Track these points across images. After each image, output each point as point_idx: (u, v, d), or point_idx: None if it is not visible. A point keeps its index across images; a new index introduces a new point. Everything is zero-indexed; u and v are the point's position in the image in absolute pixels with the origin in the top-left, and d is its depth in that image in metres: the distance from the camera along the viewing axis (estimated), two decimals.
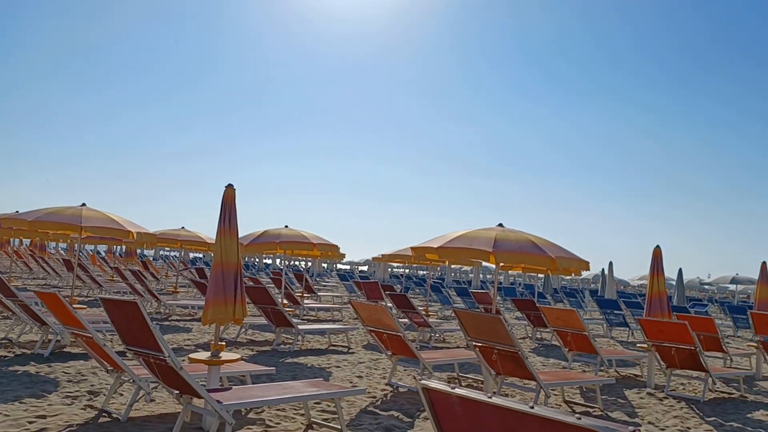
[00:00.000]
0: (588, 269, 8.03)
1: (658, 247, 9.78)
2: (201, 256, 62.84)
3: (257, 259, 58.12)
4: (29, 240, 36.38)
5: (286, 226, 12.37)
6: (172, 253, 67.21)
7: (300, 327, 11.02)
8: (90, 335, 5.39)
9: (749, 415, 7.69)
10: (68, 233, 9.81)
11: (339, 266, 76.70)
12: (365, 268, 71.63)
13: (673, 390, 8.90)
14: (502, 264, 7.39)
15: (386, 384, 8.12)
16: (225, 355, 5.64)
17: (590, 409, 7.41)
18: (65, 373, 7.42)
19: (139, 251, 40.41)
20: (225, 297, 5.52)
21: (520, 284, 43.00)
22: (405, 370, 9.02)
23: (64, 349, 8.94)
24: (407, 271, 66.59)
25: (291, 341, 11.68)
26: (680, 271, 26.94)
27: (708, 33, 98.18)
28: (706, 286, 47.00)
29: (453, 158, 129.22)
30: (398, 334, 7.55)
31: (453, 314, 8.02)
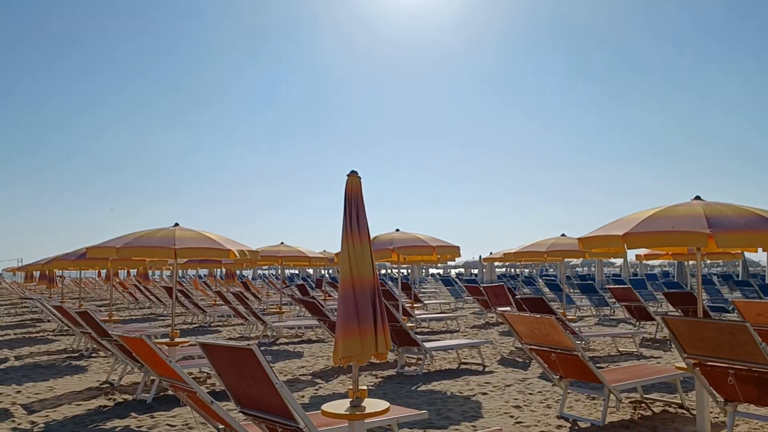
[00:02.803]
0: None
1: None
2: (296, 272, 63.10)
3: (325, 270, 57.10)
4: (135, 270, 37.20)
5: (398, 230, 10.87)
6: (269, 271, 67.98)
7: (426, 345, 9.44)
8: (193, 390, 4.04)
9: None
10: (166, 259, 8.94)
11: (432, 270, 75.05)
12: (461, 270, 69.46)
13: None
14: (699, 249, 5.48)
15: (557, 416, 6.37)
16: (369, 404, 4.12)
17: None
18: (170, 426, 6.21)
19: (237, 272, 40.46)
20: (360, 325, 3.99)
21: (634, 274, 39.50)
22: (570, 393, 7.23)
23: (169, 392, 7.82)
24: (508, 270, 63.96)
25: (414, 360, 10.14)
26: None
27: None
28: None
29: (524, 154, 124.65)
30: (574, 353, 5.80)
31: (627, 318, 6.11)
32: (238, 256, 8.27)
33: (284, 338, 13.88)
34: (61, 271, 23.84)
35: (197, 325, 17.38)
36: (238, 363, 3.22)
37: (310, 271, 58.12)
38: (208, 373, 8.99)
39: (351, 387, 4.08)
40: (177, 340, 8.53)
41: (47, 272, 25.91)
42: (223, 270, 37.60)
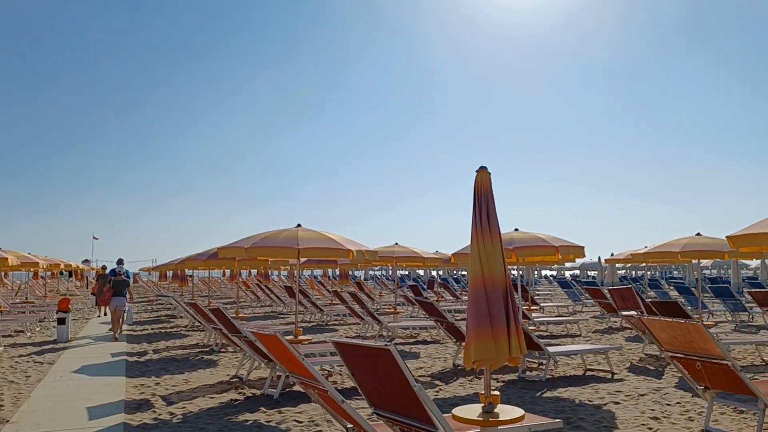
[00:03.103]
0: None
1: None
2: (407, 272, 63.48)
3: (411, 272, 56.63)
4: (256, 270, 39.09)
5: (516, 229, 10.53)
6: (379, 272, 68.97)
7: (549, 349, 9.05)
8: (324, 388, 4.06)
9: None
10: (287, 259, 9.26)
11: (544, 271, 72.69)
12: (576, 271, 66.78)
13: None
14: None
15: (702, 431, 5.84)
16: (502, 410, 3.94)
17: None
18: (297, 422, 6.34)
19: (349, 272, 41.34)
20: (493, 327, 3.83)
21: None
22: (715, 405, 6.61)
23: (294, 388, 8.03)
24: (629, 272, 60.65)
25: (535, 365, 9.76)
26: None
27: None
28: None
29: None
30: (723, 362, 5.27)
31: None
32: (356, 256, 8.35)
33: (399, 338, 13.92)
34: (191, 270, 25.50)
35: (315, 323, 17.87)
36: (373, 363, 3.16)
37: (421, 272, 58.30)
38: (329, 371, 9.15)
39: (482, 391, 3.93)
40: (300, 337, 8.75)
41: (179, 271, 27.79)
42: (337, 270, 38.62)
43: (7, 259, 12.84)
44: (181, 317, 20.31)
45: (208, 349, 12.06)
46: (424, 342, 13.13)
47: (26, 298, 25.89)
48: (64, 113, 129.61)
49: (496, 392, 3.98)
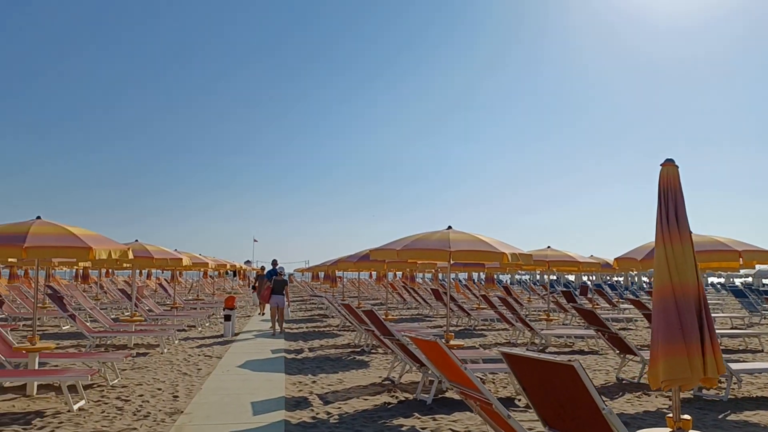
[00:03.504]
0: None
1: None
2: (555, 277, 61.02)
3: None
4: (401, 272, 39.65)
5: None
6: (525, 276, 66.93)
7: (732, 366, 8.02)
8: (487, 400, 3.80)
9: None
10: (435, 262, 9.16)
11: (711, 278, 66.21)
12: (748, 279, 60.18)
13: None
14: None
15: None
16: None
17: None
18: (452, 431, 6.13)
19: (495, 276, 40.48)
20: (686, 342, 3.33)
21: None
22: None
23: (447, 394, 7.84)
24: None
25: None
26: None
27: None
28: None
29: None
30: None
31: None
32: (510, 259, 7.98)
33: (553, 347, 13.23)
34: (341, 272, 26.38)
35: (462, 327, 17.60)
36: (551, 379, 2.86)
37: (570, 277, 55.76)
38: (481, 379, 8.85)
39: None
40: (452, 342, 8.54)
41: (330, 272, 28.88)
42: (482, 274, 38.01)
43: (181, 259, 14.02)
44: (332, 317, 21.02)
45: (359, 350, 12.27)
46: (581, 352, 12.35)
47: (197, 296, 28.39)
48: (219, 118, 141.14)
49: (687, 417, 3.48)
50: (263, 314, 20.47)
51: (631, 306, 20.94)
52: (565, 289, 23.99)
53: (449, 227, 8.59)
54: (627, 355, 9.29)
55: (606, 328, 9.35)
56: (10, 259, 10.30)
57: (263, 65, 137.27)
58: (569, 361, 2.69)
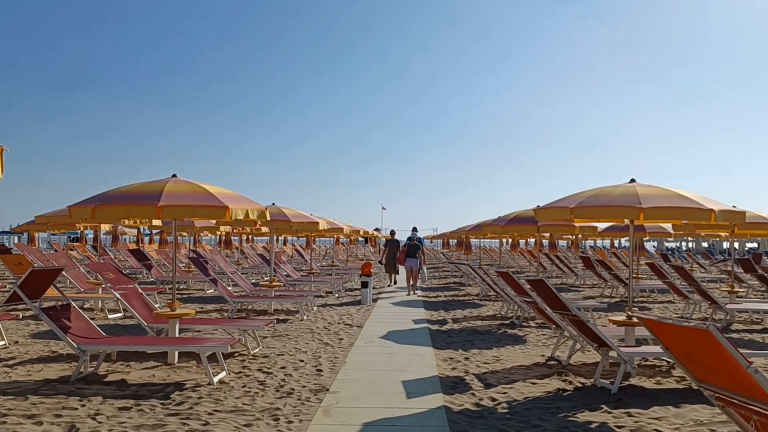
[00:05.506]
0: None
1: None
2: (706, 245, 55.52)
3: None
4: (534, 239, 37.52)
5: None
6: (673, 244, 61.49)
7: None
8: None
9: None
10: (616, 221, 7.74)
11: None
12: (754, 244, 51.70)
13: None
14: None
15: None
16: None
17: None
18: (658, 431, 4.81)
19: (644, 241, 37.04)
20: None
21: None
22: None
23: (631, 381, 6.46)
24: None
25: None
26: None
27: None
28: None
29: None
30: None
31: None
32: (717, 218, 6.35)
33: (738, 323, 11.23)
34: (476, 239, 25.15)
35: (617, 299, 15.79)
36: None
37: (726, 244, 50.47)
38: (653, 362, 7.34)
39: None
40: (634, 319, 7.06)
41: (465, 239, 27.74)
42: (623, 240, 34.92)
43: (318, 223, 13.52)
44: (469, 285, 19.92)
45: (508, 322, 11.08)
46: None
47: (332, 262, 28.47)
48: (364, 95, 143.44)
49: None
50: (391, 285, 19.47)
51: None
52: (741, 257, 21.01)
53: (632, 180, 7.07)
54: None
55: None
56: (155, 221, 10.16)
57: (402, 38, 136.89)
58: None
